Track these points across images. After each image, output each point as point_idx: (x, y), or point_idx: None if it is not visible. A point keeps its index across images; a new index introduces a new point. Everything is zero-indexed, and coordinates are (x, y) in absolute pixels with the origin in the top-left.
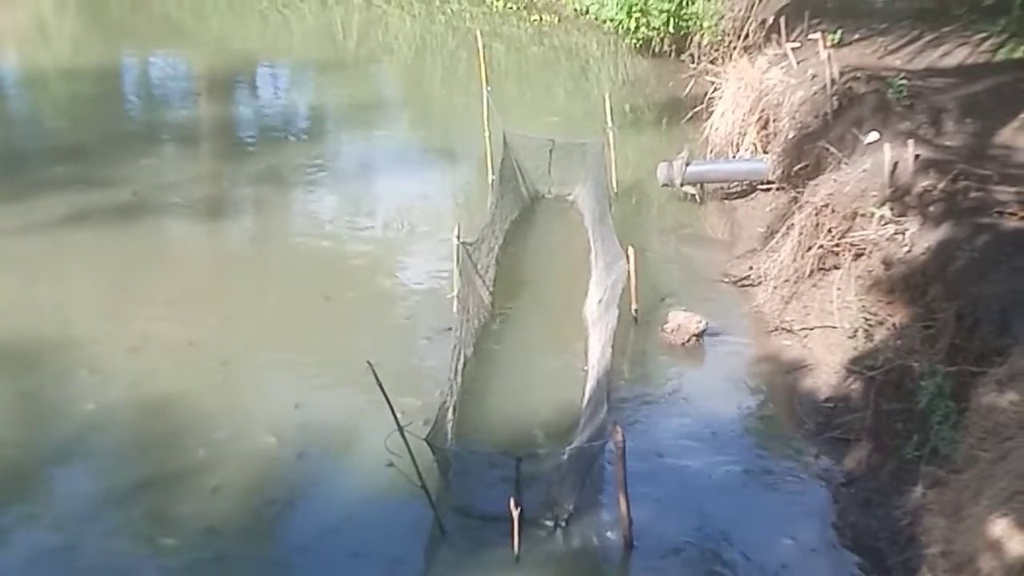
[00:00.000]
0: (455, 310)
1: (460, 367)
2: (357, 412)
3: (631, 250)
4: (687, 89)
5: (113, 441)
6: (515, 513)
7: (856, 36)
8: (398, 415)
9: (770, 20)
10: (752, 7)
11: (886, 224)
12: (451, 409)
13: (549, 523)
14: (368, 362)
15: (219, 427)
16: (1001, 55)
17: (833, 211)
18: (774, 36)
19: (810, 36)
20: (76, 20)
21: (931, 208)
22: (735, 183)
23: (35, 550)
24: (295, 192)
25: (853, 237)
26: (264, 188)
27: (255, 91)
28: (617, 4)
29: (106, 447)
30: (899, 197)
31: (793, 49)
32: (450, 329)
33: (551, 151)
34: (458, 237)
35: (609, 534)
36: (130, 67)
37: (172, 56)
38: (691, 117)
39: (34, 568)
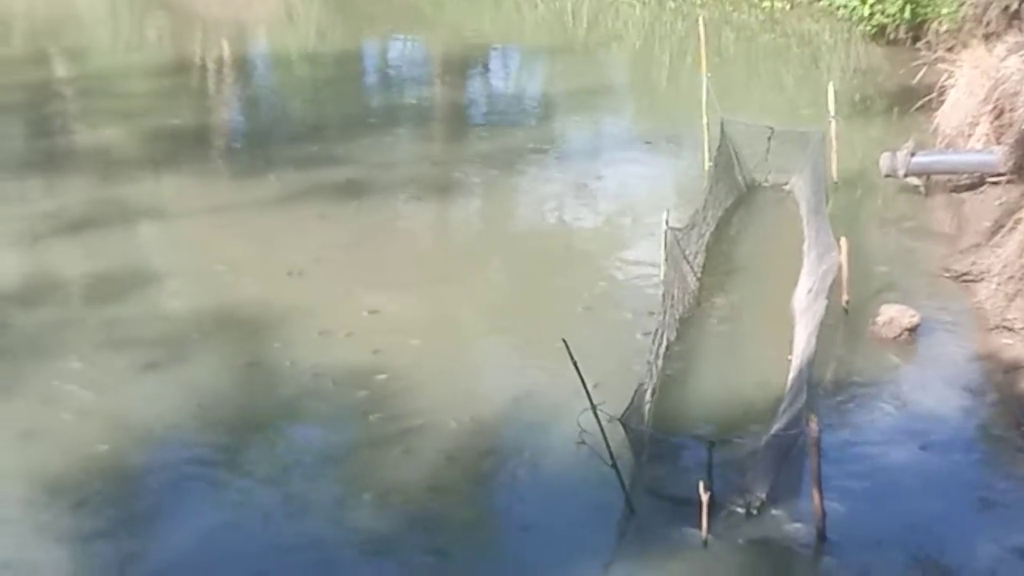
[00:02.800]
0: (660, 295)
1: (661, 351)
2: (557, 389)
3: (843, 240)
4: (919, 77)
5: (331, 406)
6: (705, 498)
7: None
8: (593, 395)
9: (1014, 6)
10: None
11: None
12: (649, 392)
13: (740, 510)
14: (563, 340)
15: (426, 397)
16: None
17: None
18: (1016, 23)
19: None
20: (321, 7)
21: None
22: (963, 175)
23: (251, 505)
24: (520, 175)
25: None
26: (490, 170)
27: (487, 76)
28: None
29: (324, 411)
30: None
31: None
32: (654, 313)
33: (770, 139)
34: (667, 223)
35: (801, 525)
36: (369, 51)
37: (409, 41)
38: (921, 106)
39: (248, 522)
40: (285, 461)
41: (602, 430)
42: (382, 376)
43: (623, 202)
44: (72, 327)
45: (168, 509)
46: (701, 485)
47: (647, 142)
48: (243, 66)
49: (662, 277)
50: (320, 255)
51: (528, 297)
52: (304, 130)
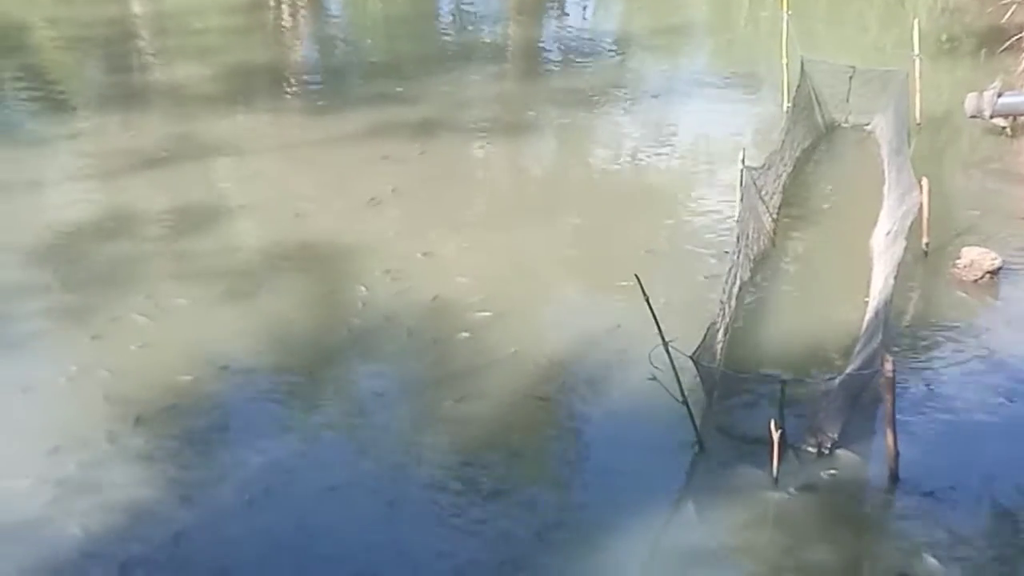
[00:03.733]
0: (734, 235)
1: (735, 290)
2: (635, 323)
3: (925, 181)
4: (1008, 16)
5: (402, 343)
6: (776, 436)
7: None
8: (665, 332)
9: None
10: None
11: None
12: (721, 331)
13: (811, 449)
14: (636, 275)
15: (497, 336)
16: None
17: None
18: None
19: None
20: None
21: None
22: None
23: (319, 438)
24: (594, 115)
25: None
26: (564, 110)
27: (563, 15)
28: None
29: (395, 347)
30: None
31: None
32: (728, 253)
33: (851, 78)
34: (743, 161)
35: (873, 466)
36: None
37: None
38: (1009, 47)
39: (318, 453)
40: (355, 395)
41: (673, 367)
42: (453, 314)
43: (699, 143)
44: (150, 259)
45: (237, 438)
46: (772, 423)
47: (725, 82)
48: (318, 3)
49: (736, 216)
50: (392, 193)
51: (599, 238)
52: (377, 68)
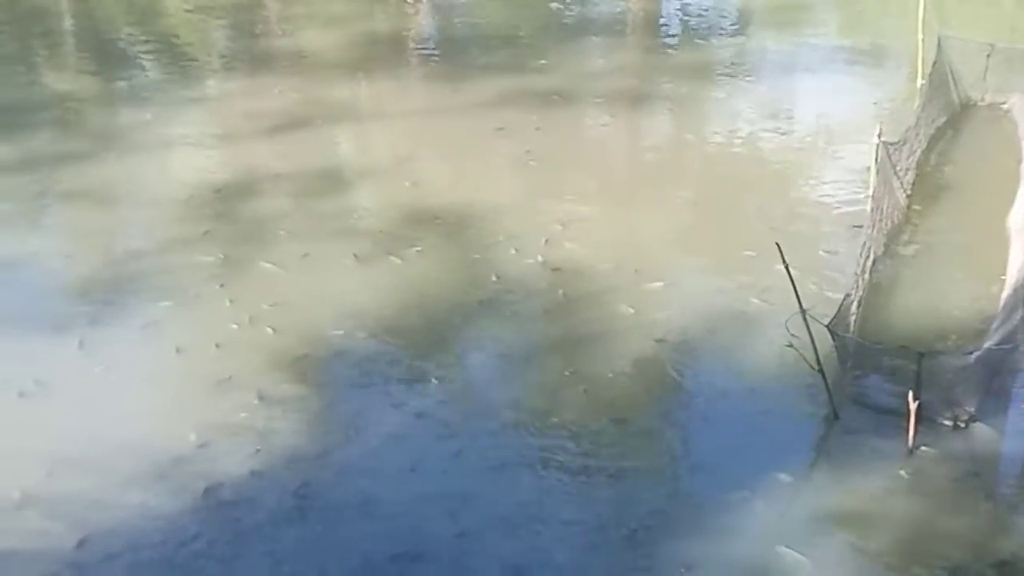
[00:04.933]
0: (869, 209)
1: (868, 264)
2: (762, 294)
3: None
4: None
5: (524, 311)
6: (913, 407)
7: None
8: (794, 305)
9: None
10: None
11: None
12: (856, 303)
13: (947, 422)
14: (776, 243)
15: (621, 303)
16: None
17: None
18: None
19: None
20: None
21: None
22: None
23: (446, 395)
24: (715, 90)
25: None
26: (684, 84)
27: None
28: None
29: (516, 314)
30: None
31: None
32: (862, 227)
33: (989, 56)
34: (879, 136)
35: (1010, 441)
36: None
37: None
38: None
39: (445, 409)
40: (476, 356)
41: (811, 335)
42: (576, 283)
43: (825, 119)
44: (282, 220)
45: (362, 392)
46: (911, 394)
47: (852, 58)
48: None
49: (871, 192)
50: (514, 162)
51: (721, 211)
52: (497, 39)
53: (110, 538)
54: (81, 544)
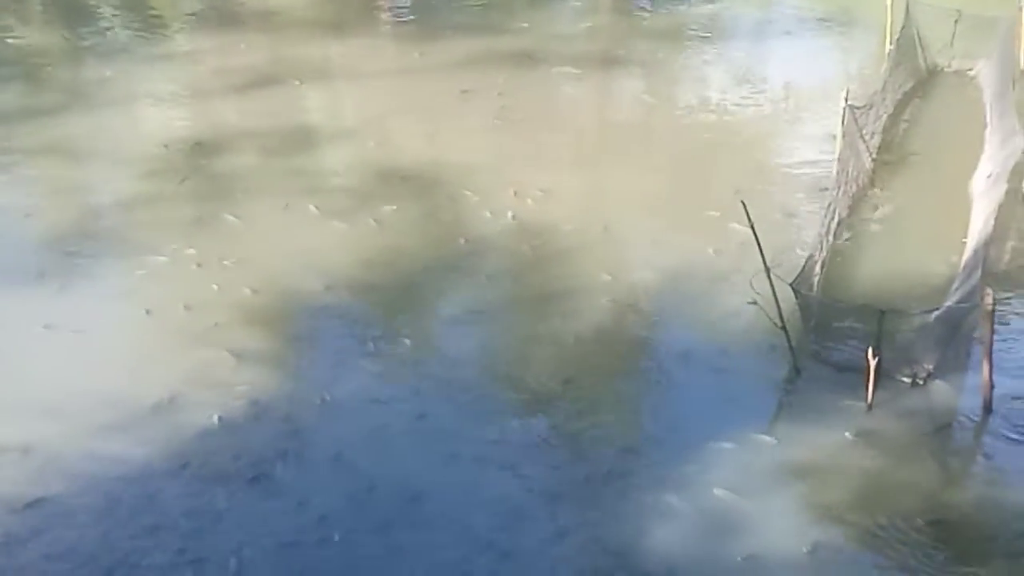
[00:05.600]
0: (834, 172)
1: (833, 226)
2: (726, 254)
3: None
4: None
5: (492, 267)
6: (872, 363)
7: None
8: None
9: None
10: None
11: None
12: (819, 264)
13: (906, 379)
14: (742, 202)
15: (591, 260)
16: None
17: None
18: None
19: None
20: None
21: None
22: None
23: (421, 347)
24: (687, 54)
25: None
26: (656, 48)
27: None
28: None
29: (485, 269)
30: None
31: None
32: (826, 190)
33: (956, 22)
34: (846, 99)
35: (967, 397)
36: None
37: None
38: None
39: (403, 365)
40: (444, 313)
41: (774, 293)
42: (544, 243)
43: (793, 84)
44: (249, 176)
45: (340, 343)
46: (869, 351)
47: (822, 23)
48: None
49: (837, 154)
50: (485, 123)
51: (689, 173)
52: (471, 1)
53: (77, 483)
54: (47, 492)
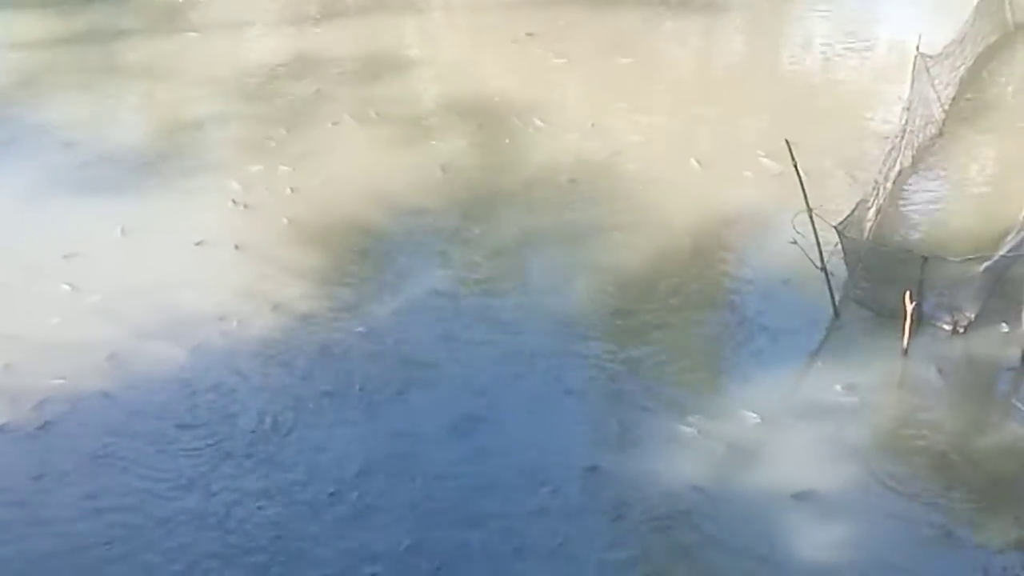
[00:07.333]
0: (901, 121)
1: (893, 173)
2: (771, 192)
3: None
4: None
5: (560, 197)
6: (910, 308)
7: None
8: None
9: None
10: None
11: None
12: (873, 209)
13: (947, 327)
14: (786, 140)
15: (641, 197)
16: None
17: None
18: None
19: None
20: None
21: None
22: None
23: (469, 277)
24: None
25: None
26: None
27: None
28: None
29: (554, 200)
30: None
31: None
32: (888, 137)
33: None
34: (917, 48)
35: (1006, 348)
36: None
37: None
38: None
39: (465, 286)
40: (509, 238)
41: (815, 234)
42: (607, 177)
43: (875, 33)
44: (332, 101)
45: (402, 266)
46: (907, 295)
47: None
48: None
49: (905, 102)
50: (567, 58)
51: (754, 115)
52: None
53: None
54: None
